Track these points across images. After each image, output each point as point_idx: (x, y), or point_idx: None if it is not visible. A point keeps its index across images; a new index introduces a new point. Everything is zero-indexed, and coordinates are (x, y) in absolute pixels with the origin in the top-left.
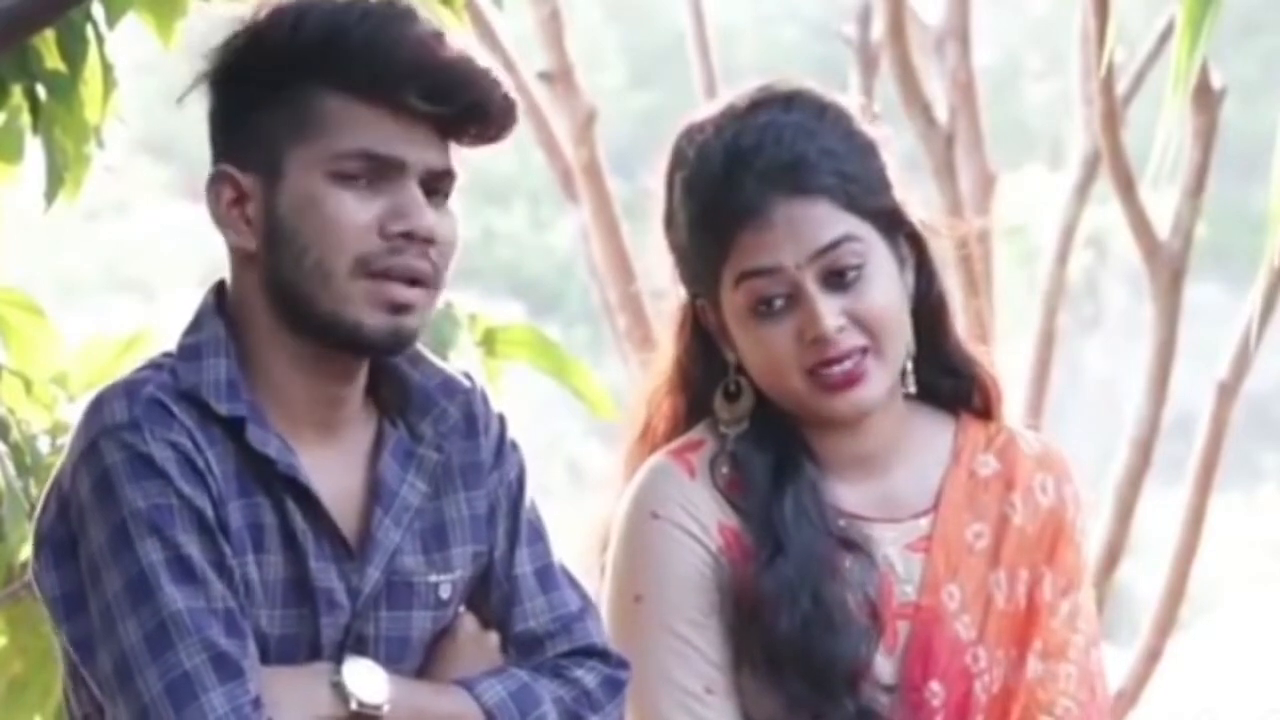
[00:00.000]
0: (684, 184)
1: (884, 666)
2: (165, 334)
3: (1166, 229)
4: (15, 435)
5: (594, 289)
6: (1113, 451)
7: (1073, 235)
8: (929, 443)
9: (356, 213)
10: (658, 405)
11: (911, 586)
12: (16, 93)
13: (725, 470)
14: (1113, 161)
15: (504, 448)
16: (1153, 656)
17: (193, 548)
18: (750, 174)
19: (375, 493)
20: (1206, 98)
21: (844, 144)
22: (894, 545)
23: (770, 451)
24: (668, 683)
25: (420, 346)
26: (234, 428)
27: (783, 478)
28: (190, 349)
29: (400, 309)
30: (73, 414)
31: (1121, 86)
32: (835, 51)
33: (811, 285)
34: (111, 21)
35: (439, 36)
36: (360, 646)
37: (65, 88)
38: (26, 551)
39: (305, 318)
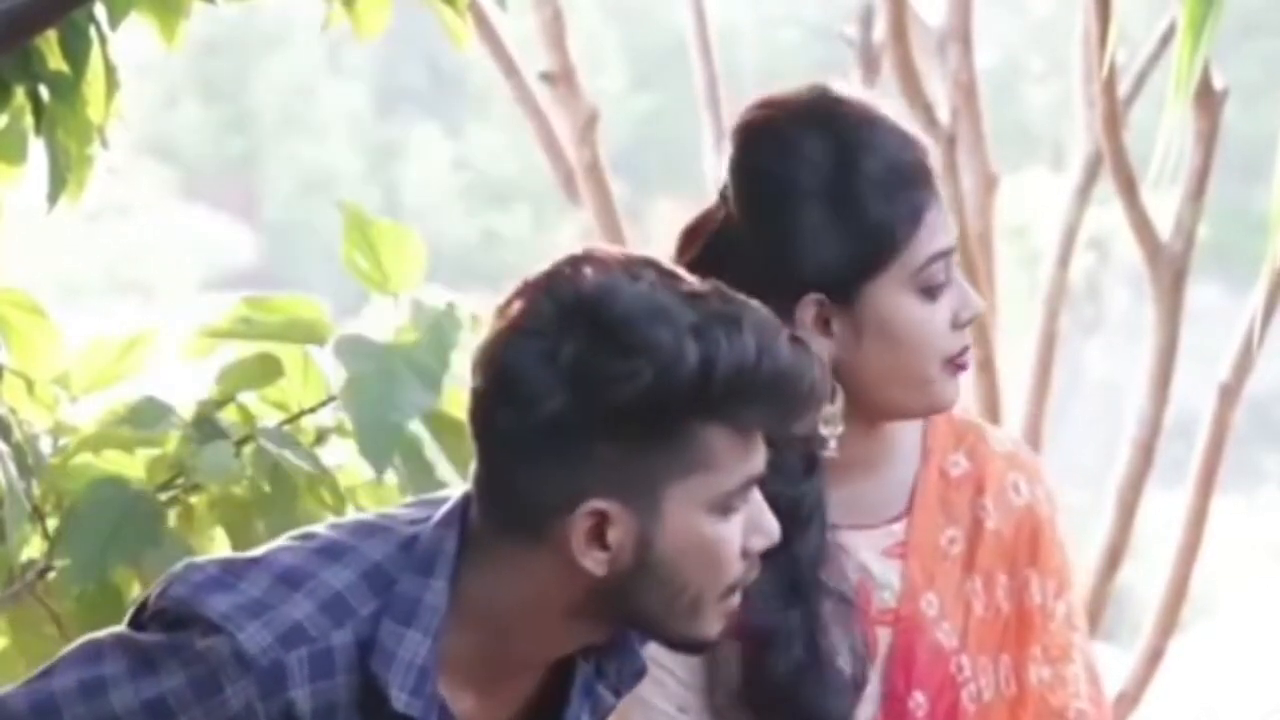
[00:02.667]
0: (865, 169)
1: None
2: (166, 335)
3: (1168, 231)
4: (17, 436)
5: None
6: (1114, 453)
7: (1074, 237)
8: (897, 444)
9: (736, 543)
10: None
11: (890, 593)
12: (19, 94)
13: None
14: (1114, 163)
15: None
16: (1154, 657)
17: None
18: (924, 168)
19: None
20: (1208, 99)
21: None
22: (869, 551)
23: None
24: (641, 704)
25: None
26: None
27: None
28: (407, 603)
29: None
30: (74, 414)
31: (1123, 88)
32: (837, 53)
33: (955, 270)
34: (114, 22)
35: (803, 346)
36: None
37: (68, 89)
38: (28, 553)
39: (633, 625)
